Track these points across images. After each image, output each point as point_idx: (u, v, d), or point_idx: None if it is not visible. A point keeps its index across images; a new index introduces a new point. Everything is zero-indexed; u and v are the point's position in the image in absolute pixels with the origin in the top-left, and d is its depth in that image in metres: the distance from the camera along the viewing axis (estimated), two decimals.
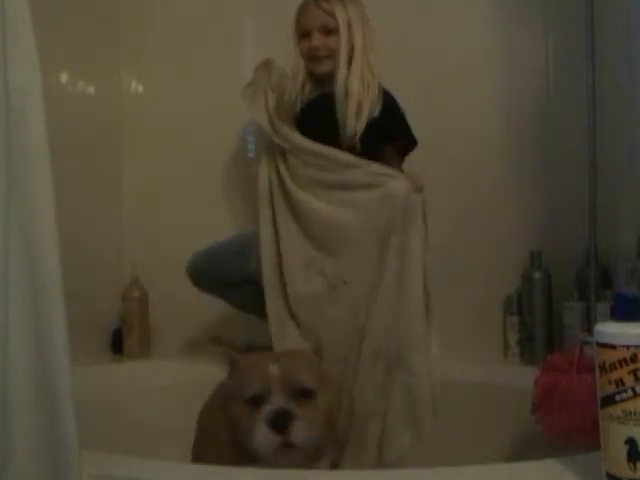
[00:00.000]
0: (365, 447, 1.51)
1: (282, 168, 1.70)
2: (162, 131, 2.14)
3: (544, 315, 1.89)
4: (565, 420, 1.31)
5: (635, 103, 1.64)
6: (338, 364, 1.52)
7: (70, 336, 0.93)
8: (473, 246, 1.98)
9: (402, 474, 1.10)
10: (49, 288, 0.92)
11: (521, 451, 1.57)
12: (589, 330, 1.62)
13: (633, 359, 0.84)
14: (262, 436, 1.11)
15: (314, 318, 1.62)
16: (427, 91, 1.97)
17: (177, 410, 1.69)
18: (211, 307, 1.95)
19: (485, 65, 2.02)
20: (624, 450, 0.85)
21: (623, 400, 0.85)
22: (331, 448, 1.27)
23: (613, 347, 0.86)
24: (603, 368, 0.87)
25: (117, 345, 2.09)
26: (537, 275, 1.90)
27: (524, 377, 1.51)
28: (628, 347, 0.85)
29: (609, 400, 0.87)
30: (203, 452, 1.33)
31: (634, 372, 0.84)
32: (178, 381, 1.83)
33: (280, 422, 1.10)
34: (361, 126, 1.65)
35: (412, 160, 1.88)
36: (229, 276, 1.76)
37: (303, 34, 1.72)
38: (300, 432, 1.10)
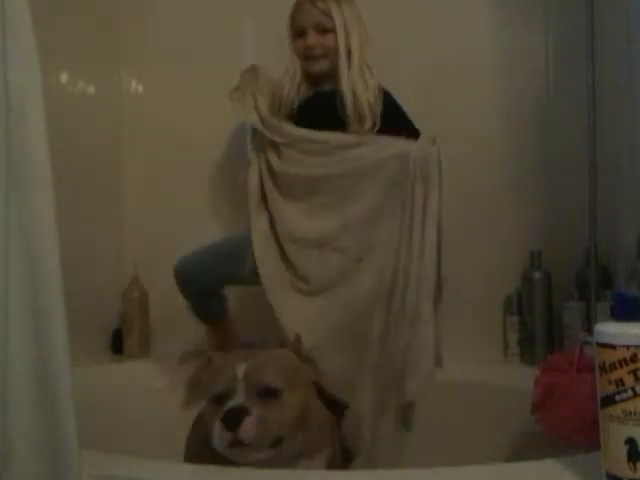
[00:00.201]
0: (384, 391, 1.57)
1: (276, 162, 1.70)
2: (162, 131, 2.14)
3: (544, 315, 1.89)
4: (565, 420, 1.31)
5: (635, 103, 1.64)
6: (363, 331, 1.57)
7: (70, 336, 0.93)
8: (473, 246, 1.98)
9: (402, 474, 1.10)
10: (49, 288, 0.92)
11: (521, 451, 1.56)
12: (589, 330, 1.62)
13: (633, 359, 0.85)
14: (216, 433, 1.11)
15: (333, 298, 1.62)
16: (427, 91, 1.97)
17: (177, 410, 1.69)
18: None
19: (485, 65, 2.02)
20: (624, 450, 0.85)
21: (623, 400, 0.85)
22: (321, 446, 1.26)
23: (613, 347, 0.86)
24: (603, 368, 0.87)
25: (117, 345, 2.09)
26: (537, 275, 1.90)
27: (524, 377, 1.51)
28: (628, 347, 0.85)
29: (609, 400, 0.87)
30: (191, 450, 1.34)
31: (634, 372, 0.84)
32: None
33: (231, 419, 1.10)
34: (369, 125, 1.66)
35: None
36: (219, 279, 1.74)
37: (298, 33, 1.72)
38: (250, 429, 1.09)
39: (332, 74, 1.72)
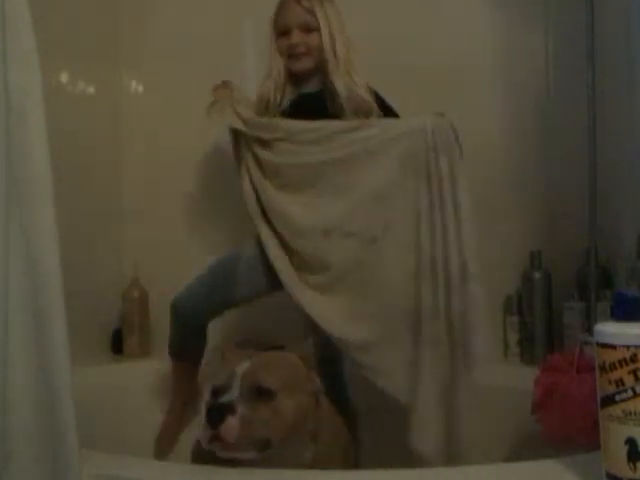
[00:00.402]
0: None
1: (269, 159, 1.68)
2: (162, 131, 2.14)
3: (544, 315, 1.89)
4: (565, 420, 1.31)
5: (635, 103, 1.64)
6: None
7: (70, 336, 0.93)
8: None
9: (402, 474, 1.10)
10: (49, 288, 0.92)
11: (521, 451, 1.57)
12: (589, 330, 1.62)
13: (633, 359, 0.85)
14: (201, 428, 1.11)
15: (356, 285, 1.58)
16: (427, 91, 1.97)
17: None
18: None
19: (485, 65, 2.02)
20: (624, 450, 0.85)
21: (623, 400, 0.85)
22: (334, 464, 1.25)
23: (613, 347, 0.86)
24: (603, 368, 0.87)
25: (117, 345, 2.09)
26: (537, 275, 1.90)
27: (524, 377, 1.51)
28: (628, 347, 0.85)
29: (609, 400, 0.87)
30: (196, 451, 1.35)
31: (634, 372, 0.84)
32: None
33: (214, 416, 1.09)
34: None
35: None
36: (217, 309, 1.72)
37: (282, 32, 1.71)
38: (231, 428, 1.08)
39: (315, 73, 1.72)
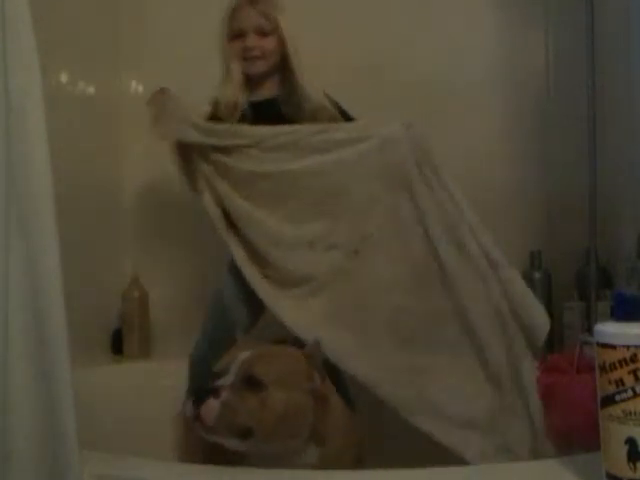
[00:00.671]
0: None
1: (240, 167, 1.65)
2: None
3: None
4: (565, 420, 1.31)
5: (635, 103, 1.64)
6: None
7: (70, 336, 0.93)
8: None
9: (402, 474, 1.10)
10: (49, 288, 0.92)
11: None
12: (589, 330, 1.62)
13: (633, 359, 0.84)
14: (186, 405, 1.13)
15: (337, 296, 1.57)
16: (427, 90, 1.97)
17: (177, 410, 1.69)
18: None
19: (485, 65, 2.02)
20: (624, 450, 0.85)
21: (623, 400, 0.85)
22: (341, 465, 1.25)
23: (613, 347, 0.86)
24: (603, 368, 0.87)
25: (117, 345, 2.09)
26: (537, 275, 1.90)
27: None
28: (628, 347, 0.85)
29: (609, 400, 0.87)
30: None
31: (634, 372, 0.84)
32: (178, 381, 1.83)
33: (199, 397, 1.11)
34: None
35: None
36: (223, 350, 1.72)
37: (236, 35, 1.70)
38: (210, 410, 1.10)
39: (267, 78, 1.72)
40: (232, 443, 1.14)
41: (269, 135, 1.62)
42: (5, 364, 0.88)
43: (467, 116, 1.99)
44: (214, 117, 1.72)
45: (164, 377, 1.86)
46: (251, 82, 1.73)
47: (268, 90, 1.73)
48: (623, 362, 0.85)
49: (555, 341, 1.88)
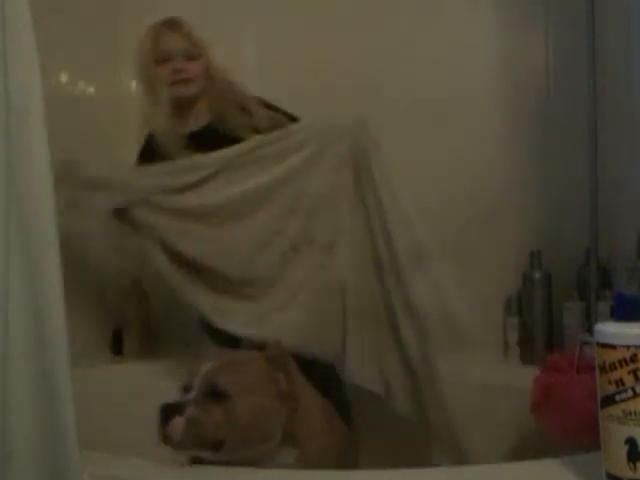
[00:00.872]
0: None
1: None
2: None
3: (544, 315, 1.89)
4: (565, 420, 1.31)
5: (635, 103, 1.64)
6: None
7: (70, 336, 0.93)
8: (473, 246, 1.98)
9: (402, 474, 1.10)
10: (49, 288, 0.92)
11: (521, 451, 1.57)
12: (589, 330, 1.62)
13: (633, 359, 0.84)
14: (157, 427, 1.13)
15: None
16: (427, 90, 1.97)
17: None
18: None
19: (485, 65, 2.02)
20: (624, 450, 0.85)
21: (623, 400, 0.85)
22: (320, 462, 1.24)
23: (613, 347, 0.86)
24: (603, 368, 0.87)
25: (117, 345, 2.09)
26: (537, 275, 1.90)
27: (524, 377, 1.51)
28: (628, 347, 0.85)
29: (609, 400, 0.86)
30: None
31: (634, 372, 0.84)
32: (178, 381, 1.83)
33: (163, 415, 1.11)
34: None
35: (412, 160, 1.89)
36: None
37: (162, 59, 1.70)
38: (176, 428, 1.10)
39: (197, 101, 1.72)
40: (205, 455, 1.14)
41: (238, 154, 1.61)
42: (5, 364, 0.88)
43: (467, 116, 1.99)
44: (148, 153, 1.71)
45: (164, 377, 1.86)
46: (182, 108, 1.72)
47: (201, 117, 1.72)
48: (623, 362, 0.85)
49: (555, 341, 1.89)
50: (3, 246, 0.87)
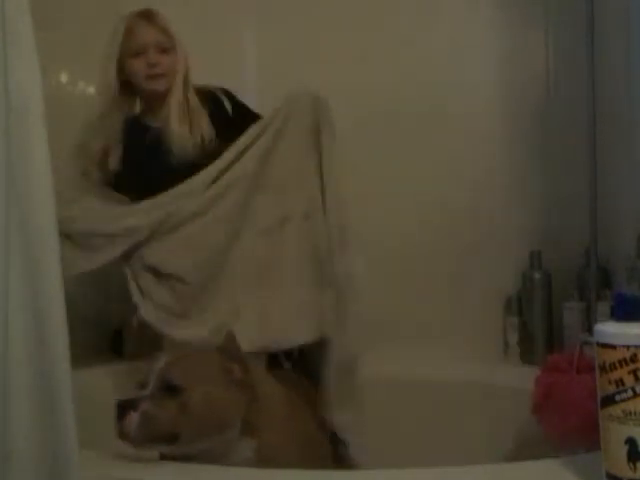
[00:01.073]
0: None
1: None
2: None
3: (544, 315, 1.89)
4: (565, 420, 1.31)
5: (635, 103, 1.64)
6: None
7: (70, 336, 0.93)
8: (473, 246, 1.98)
9: (402, 474, 1.10)
10: (49, 288, 0.92)
11: (521, 451, 1.57)
12: (589, 330, 1.62)
13: (633, 359, 0.85)
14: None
15: None
16: (427, 90, 1.98)
17: None
18: None
19: (485, 65, 2.02)
20: (624, 450, 0.85)
21: (623, 400, 0.85)
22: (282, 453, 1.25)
23: (613, 347, 0.86)
24: (603, 368, 0.87)
25: (117, 345, 2.08)
26: (537, 275, 1.90)
27: (524, 377, 1.52)
28: (628, 347, 0.85)
29: (609, 400, 0.87)
30: None
31: (634, 372, 0.84)
32: None
33: (119, 412, 1.14)
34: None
35: (412, 159, 1.89)
36: None
37: (135, 53, 1.68)
38: (130, 424, 1.13)
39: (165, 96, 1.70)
40: (161, 449, 1.16)
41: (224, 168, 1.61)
42: (5, 364, 0.88)
43: (467, 116, 1.99)
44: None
45: None
46: (155, 97, 1.72)
47: (159, 120, 1.71)
48: (623, 362, 0.85)
49: (555, 341, 1.89)
50: (3, 246, 0.87)
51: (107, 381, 1.80)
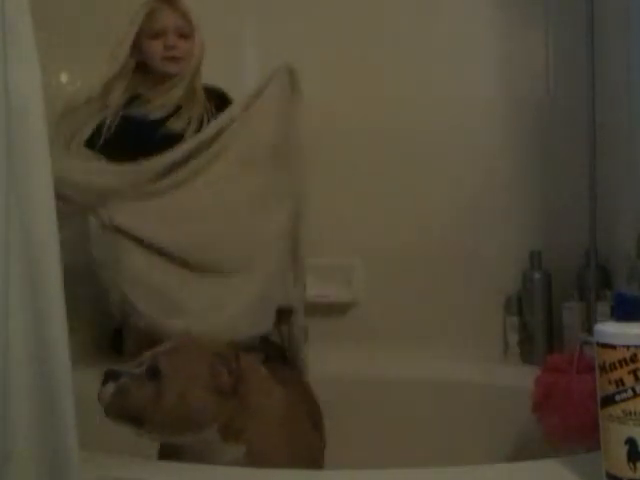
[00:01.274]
0: None
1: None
2: None
3: (544, 315, 1.89)
4: (565, 420, 1.31)
5: (634, 103, 1.64)
6: None
7: (70, 336, 0.93)
8: (473, 246, 1.98)
9: (402, 474, 1.10)
10: (49, 288, 0.92)
11: (521, 451, 1.57)
12: (589, 330, 1.62)
13: (633, 359, 0.85)
14: None
15: None
16: (427, 90, 1.97)
17: None
18: None
19: (485, 65, 2.02)
20: (624, 450, 0.85)
21: (623, 400, 0.85)
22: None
23: (613, 347, 0.86)
24: (603, 368, 0.87)
25: (117, 345, 2.08)
26: (537, 275, 1.90)
27: (524, 377, 1.52)
28: (628, 347, 0.85)
29: (609, 400, 0.87)
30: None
31: (634, 372, 0.84)
32: None
33: (103, 378, 1.18)
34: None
35: (412, 159, 1.89)
36: None
37: (155, 34, 1.72)
38: (104, 393, 1.16)
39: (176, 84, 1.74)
40: (129, 428, 1.18)
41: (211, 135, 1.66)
42: (5, 364, 0.88)
43: (467, 116, 1.99)
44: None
45: None
46: (160, 84, 1.75)
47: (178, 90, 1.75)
48: (623, 362, 0.85)
49: (555, 341, 1.89)
50: (3, 246, 0.87)
51: None
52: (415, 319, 1.94)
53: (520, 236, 1.97)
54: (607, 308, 1.64)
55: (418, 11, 2.02)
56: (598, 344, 0.88)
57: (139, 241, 1.60)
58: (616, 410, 0.86)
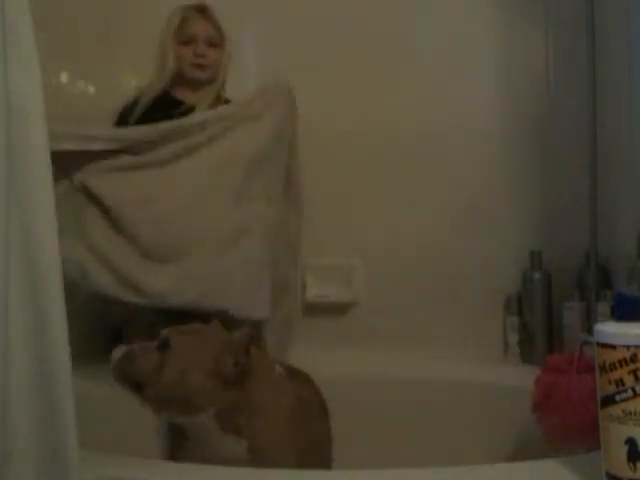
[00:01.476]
0: None
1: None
2: None
3: (544, 315, 1.89)
4: (565, 420, 1.31)
5: (635, 103, 1.64)
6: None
7: (70, 336, 0.93)
8: (473, 246, 1.98)
9: (402, 474, 1.10)
10: (49, 287, 0.92)
11: (521, 451, 1.57)
12: (589, 330, 1.62)
13: (633, 359, 0.85)
14: None
15: None
16: (427, 90, 1.98)
17: None
18: None
19: (485, 65, 2.02)
20: (624, 450, 0.85)
21: (623, 400, 0.85)
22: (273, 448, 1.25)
23: (613, 347, 0.86)
24: (603, 368, 0.87)
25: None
26: (537, 275, 1.89)
27: (524, 377, 1.51)
28: (628, 347, 0.85)
29: (609, 400, 0.87)
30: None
31: (634, 372, 0.84)
32: None
33: (117, 339, 1.26)
34: None
35: (412, 159, 1.89)
36: None
37: (186, 41, 1.81)
38: (115, 353, 1.22)
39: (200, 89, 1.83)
40: (130, 392, 1.23)
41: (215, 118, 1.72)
42: (5, 364, 0.88)
43: (467, 116, 1.99)
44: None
45: None
46: (196, 84, 1.85)
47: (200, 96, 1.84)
48: (623, 362, 0.85)
49: (555, 341, 1.89)
50: (3, 246, 0.87)
51: (107, 381, 1.80)
52: (415, 319, 1.94)
53: (520, 236, 1.97)
54: (607, 308, 1.64)
55: (418, 11, 2.02)
56: (598, 344, 0.88)
57: (105, 211, 1.61)
58: (616, 410, 0.86)
